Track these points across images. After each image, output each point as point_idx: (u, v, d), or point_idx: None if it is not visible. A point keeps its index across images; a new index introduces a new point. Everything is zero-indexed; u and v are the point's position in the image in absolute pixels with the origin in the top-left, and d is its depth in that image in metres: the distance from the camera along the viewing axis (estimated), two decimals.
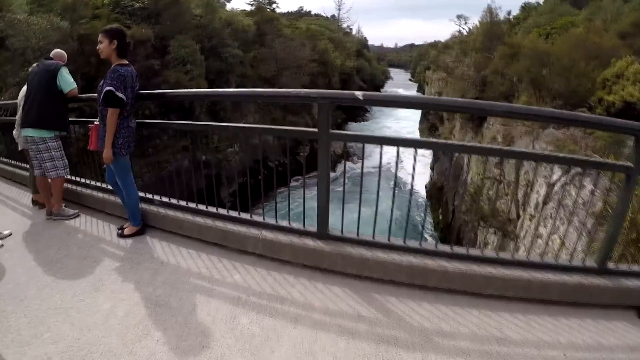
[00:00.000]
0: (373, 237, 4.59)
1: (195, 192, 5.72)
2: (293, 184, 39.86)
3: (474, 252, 4.31)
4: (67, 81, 6.46)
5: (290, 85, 41.78)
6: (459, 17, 46.08)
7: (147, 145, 26.33)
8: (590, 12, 37.50)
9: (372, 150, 39.65)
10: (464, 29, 44.98)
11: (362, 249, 4.47)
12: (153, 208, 5.85)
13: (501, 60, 25.66)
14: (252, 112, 37.76)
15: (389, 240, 4.54)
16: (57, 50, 7.04)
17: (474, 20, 44.22)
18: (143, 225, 5.70)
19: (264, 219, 5.08)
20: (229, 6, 65.60)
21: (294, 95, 4.35)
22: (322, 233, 4.65)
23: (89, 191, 6.77)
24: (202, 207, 5.60)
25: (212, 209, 5.50)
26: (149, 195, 6.04)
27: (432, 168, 44.58)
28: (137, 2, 29.94)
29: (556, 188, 11.69)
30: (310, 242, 4.62)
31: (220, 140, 30.79)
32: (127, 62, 5.42)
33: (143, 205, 5.88)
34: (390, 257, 4.32)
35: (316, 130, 4.26)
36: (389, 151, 4.47)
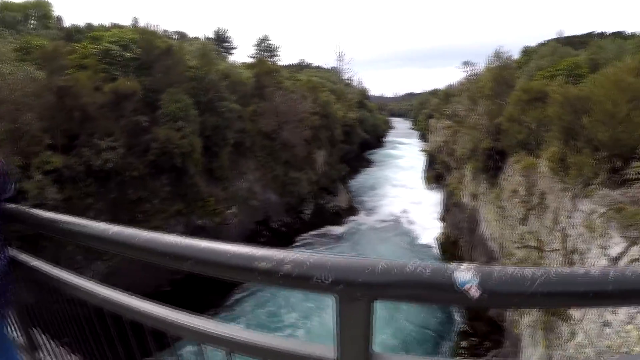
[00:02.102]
0: None
1: None
2: (298, 244, 38.07)
3: None
4: None
5: (292, 139, 40.10)
6: (465, 63, 44.57)
7: (136, 210, 24.41)
8: (591, 52, 36.53)
9: (379, 202, 37.82)
10: (471, 75, 43.39)
11: None
12: None
13: (516, 106, 23.92)
14: (252, 169, 35.89)
15: None
16: None
17: (480, 67, 42.84)
18: None
19: None
20: (230, 58, 65.27)
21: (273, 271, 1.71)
22: None
23: None
24: None
25: None
26: None
27: (442, 219, 42.51)
28: (127, 52, 28.39)
29: (622, 264, 9.51)
30: None
31: (217, 202, 28.75)
32: None
33: None
34: None
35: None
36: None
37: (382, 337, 24.52)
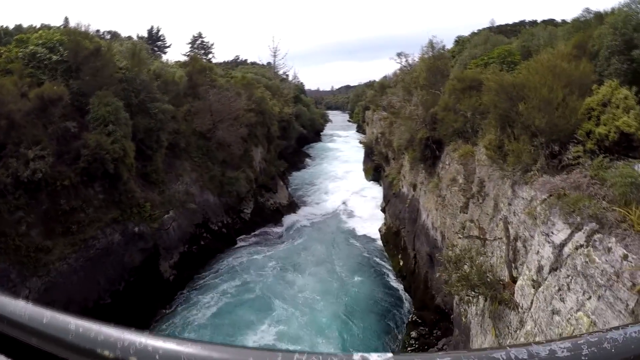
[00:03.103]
0: None
1: None
2: (240, 244, 37.45)
3: None
4: None
5: (228, 138, 39.28)
6: (399, 54, 44.61)
7: (70, 221, 23.13)
8: (523, 40, 37.40)
9: (319, 197, 37.66)
10: (405, 66, 43.52)
11: None
12: None
13: (451, 95, 24.10)
14: (189, 170, 34.85)
15: None
16: None
17: (414, 57, 43.03)
18: None
19: None
20: (164, 57, 63.48)
21: None
22: None
23: None
24: None
25: None
26: None
27: (383, 210, 42.73)
28: (54, 55, 26.73)
29: (567, 250, 9.51)
30: None
31: (154, 207, 27.64)
32: None
33: None
34: None
35: None
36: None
37: (335, 335, 24.54)
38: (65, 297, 21.52)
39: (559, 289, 9.45)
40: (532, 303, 10.82)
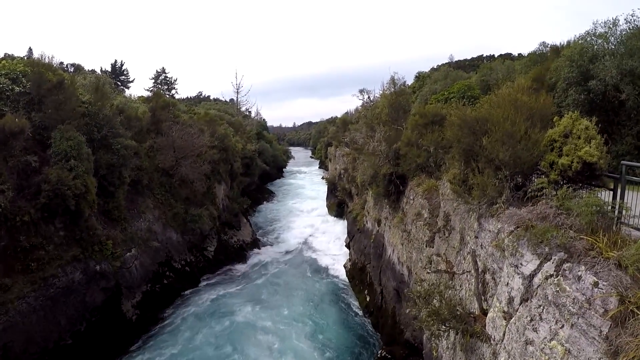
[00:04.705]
0: None
1: None
2: (204, 283, 36.71)
3: None
4: None
5: (190, 175, 38.84)
6: (361, 91, 45.55)
7: (30, 258, 22.27)
8: (482, 74, 38.47)
9: (283, 234, 37.46)
10: (367, 102, 44.35)
11: None
12: None
13: (414, 131, 24.43)
14: (151, 207, 34.21)
15: None
16: None
17: (376, 93, 44.08)
18: None
19: None
20: (127, 92, 63.11)
21: None
22: None
23: None
24: None
25: None
26: None
27: (348, 246, 42.65)
28: (17, 86, 25.90)
29: (537, 280, 9.61)
30: None
31: (116, 245, 26.93)
32: None
33: None
34: None
35: None
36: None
37: None
38: (25, 338, 20.63)
39: (531, 319, 9.51)
40: (504, 334, 10.84)
